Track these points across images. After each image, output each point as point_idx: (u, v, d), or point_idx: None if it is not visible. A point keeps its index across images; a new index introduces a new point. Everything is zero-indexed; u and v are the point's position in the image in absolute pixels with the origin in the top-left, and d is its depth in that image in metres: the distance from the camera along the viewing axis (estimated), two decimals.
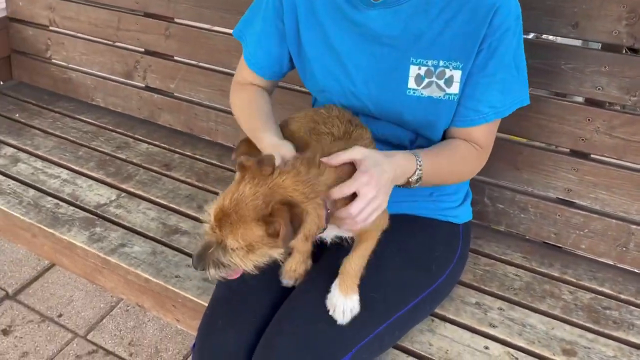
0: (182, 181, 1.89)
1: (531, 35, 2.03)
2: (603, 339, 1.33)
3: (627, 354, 1.29)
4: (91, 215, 1.71)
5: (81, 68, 2.37)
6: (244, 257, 0.99)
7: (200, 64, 2.10)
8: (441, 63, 1.20)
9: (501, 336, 1.32)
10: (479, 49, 1.18)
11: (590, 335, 1.34)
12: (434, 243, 1.33)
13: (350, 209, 1.02)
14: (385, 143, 1.30)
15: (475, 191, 1.56)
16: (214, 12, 1.98)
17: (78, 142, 2.10)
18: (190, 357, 1.44)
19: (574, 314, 1.39)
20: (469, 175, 1.35)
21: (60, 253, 1.69)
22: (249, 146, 1.27)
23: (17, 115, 2.27)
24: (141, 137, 2.14)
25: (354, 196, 1.03)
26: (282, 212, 0.94)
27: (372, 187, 1.02)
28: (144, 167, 1.96)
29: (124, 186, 1.86)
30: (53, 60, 2.43)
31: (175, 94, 2.17)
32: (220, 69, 2.04)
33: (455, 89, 1.21)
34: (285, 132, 1.24)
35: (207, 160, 2.01)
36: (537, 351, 1.29)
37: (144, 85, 2.23)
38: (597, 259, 1.57)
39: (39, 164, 1.97)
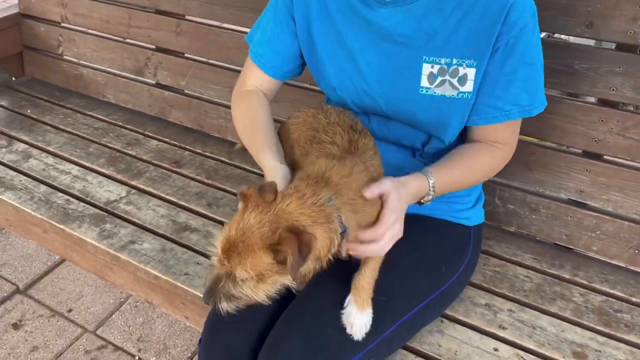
0: (192, 178, 1.89)
1: (543, 34, 2.00)
2: (614, 342, 1.32)
3: (638, 357, 1.28)
4: (101, 212, 1.72)
5: (92, 64, 2.38)
6: (254, 287, 0.97)
7: (211, 61, 2.10)
8: (454, 61, 1.19)
9: (511, 338, 1.32)
10: (495, 47, 1.17)
11: (601, 339, 1.32)
12: (444, 245, 1.33)
13: (373, 245, 1.06)
14: (398, 145, 1.29)
15: (486, 191, 1.55)
16: (225, 10, 1.98)
17: (89, 139, 2.11)
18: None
19: (585, 317, 1.38)
20: (489, 176, 1.34)
21: (71, 249, 1.70)
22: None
23: (29, 111, 2.29)
24: (151, 134, 2.15)
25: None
26: (289, 241, 0.91)
27: (398, 225, 1.08)
28: (154, 164, 1.96)
29: (134, 183, 1.86)
30: (64, 57, 2.44)
31: (185, 91, 2.17)
32: (231, 66, 2.04)
33: (469, 87, 1.20)
34: (286, 145, 1.23)
35: (217, 157, 2.01)
36: (547, 354, 1.28)
37: (154, 82, 2.23)
38: (608, 261, 1.56)
39: (50, 160, 1.98)
